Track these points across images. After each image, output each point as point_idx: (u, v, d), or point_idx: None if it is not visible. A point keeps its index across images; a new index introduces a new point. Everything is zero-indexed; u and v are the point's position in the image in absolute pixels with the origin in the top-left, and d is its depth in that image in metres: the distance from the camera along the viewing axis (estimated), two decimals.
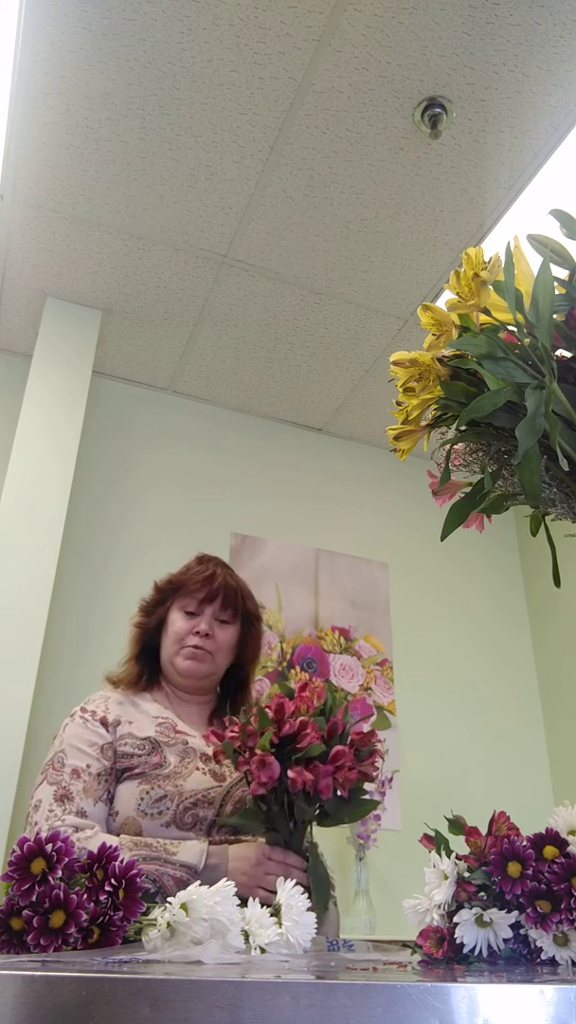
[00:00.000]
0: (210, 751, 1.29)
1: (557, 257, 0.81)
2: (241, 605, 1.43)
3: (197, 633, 1.37)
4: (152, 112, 2.20)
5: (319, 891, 1.11)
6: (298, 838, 1.14)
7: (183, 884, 1.09)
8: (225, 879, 1.09)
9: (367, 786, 1.15)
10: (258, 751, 1.07)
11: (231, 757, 1.12)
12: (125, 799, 1.21)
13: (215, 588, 1.40)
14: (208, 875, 1.11)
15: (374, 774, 1.12)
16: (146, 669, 1.42)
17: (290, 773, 1.05)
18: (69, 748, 1.25)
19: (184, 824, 1.19)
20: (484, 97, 2.11)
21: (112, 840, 1.14)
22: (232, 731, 1.11)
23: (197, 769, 1.25)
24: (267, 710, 1.10)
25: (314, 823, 1.15)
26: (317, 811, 1.11)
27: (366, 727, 1.14)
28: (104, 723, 1.29)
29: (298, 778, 1.04)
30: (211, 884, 1.07)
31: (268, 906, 0.80)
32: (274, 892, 1.06)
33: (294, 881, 0.83)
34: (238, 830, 1.21)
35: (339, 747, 1.08)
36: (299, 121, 2.21)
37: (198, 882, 0.73)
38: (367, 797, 1.14)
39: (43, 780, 1.23)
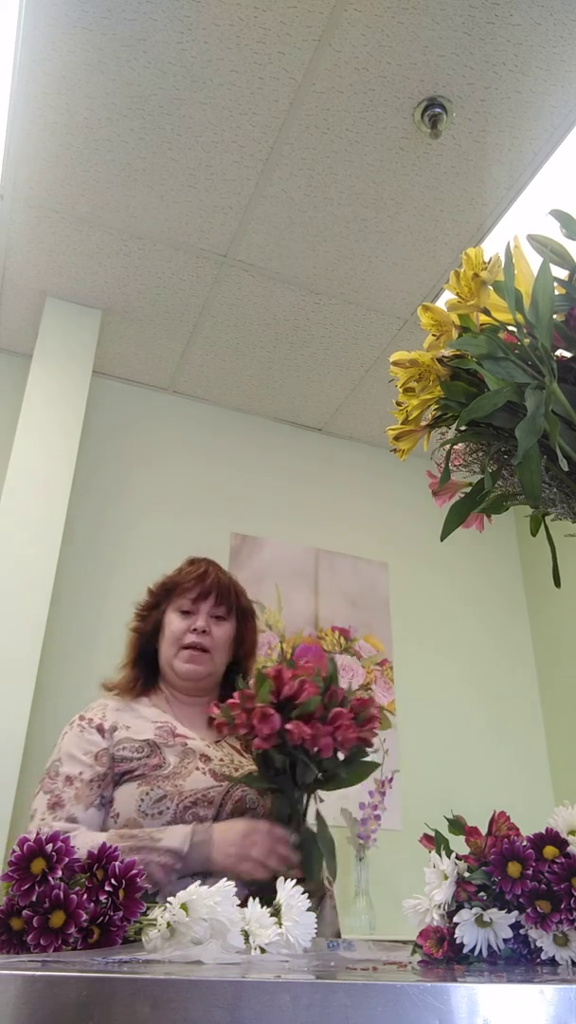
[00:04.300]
0: (210, 751, 1.29)
1: (557, 257, 0.81)
2: (235, 601, 1.44)
3: (194, 631, 1.38)
4: (152, 112, 2.20)
5: (329, 855, 1.13)
6: (303, 804, 1.15)
7: (170, 870, 1.10)
8: (212, 853, 1.11)
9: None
10: (258, 704, 1.08)
11: (228, 720, 1.13)
12: (125, 800, 1.21)
13: (208, 585, 1.41)
14: (195, 853, 1.12)
15: (372, 739, 1.14)
16: (142, 674, 1.42)
17: (288, 726, 1.06)
18: (64, 756, 1.27)
19: (184, 824, 1.19)
20: (484, 97, 2.11)
21: (99, 837, 1.14)
22: (233, 699, 1.13)
23: (197, 769, 1.25)
24: (266, 676, 1.12)
25: (317, 795, 1.17)
26: (319, 773, 1.12)
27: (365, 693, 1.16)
28: (100, 729, 1.29)
29: (296, 731, 1.06)
30: (198, 861, 1.10)
31: (268, 905, 0.79)
32: (262, 865, 1.08)
33: (294, 881, 0.83)
34: None
35: (338, 709, 1.10)
36: (299, 121, 2.21)
37: (198, 882, 0.73)
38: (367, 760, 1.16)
39: (40, 789, 1.25)
